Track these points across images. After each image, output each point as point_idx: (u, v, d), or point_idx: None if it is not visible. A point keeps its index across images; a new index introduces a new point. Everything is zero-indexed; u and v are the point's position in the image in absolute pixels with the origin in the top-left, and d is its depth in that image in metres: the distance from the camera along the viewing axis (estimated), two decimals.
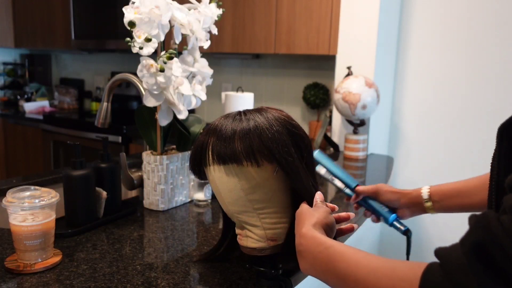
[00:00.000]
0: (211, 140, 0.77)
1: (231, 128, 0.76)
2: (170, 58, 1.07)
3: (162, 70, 1.07)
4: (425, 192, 0.93)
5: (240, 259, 0.91)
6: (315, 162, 0.91)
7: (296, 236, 0.68)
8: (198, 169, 0.82)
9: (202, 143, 0.79)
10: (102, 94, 1.62)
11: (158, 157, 1.21)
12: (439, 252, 0.48)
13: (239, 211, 0.79)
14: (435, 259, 0.49)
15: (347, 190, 1.01)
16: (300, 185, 0.76)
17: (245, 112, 0.79)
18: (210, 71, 1.24)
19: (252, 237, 0.79)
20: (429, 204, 0.92)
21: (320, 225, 0.68)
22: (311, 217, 0.70)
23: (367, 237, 2.18)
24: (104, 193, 1.11)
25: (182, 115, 1.16)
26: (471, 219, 0.46)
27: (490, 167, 0.58)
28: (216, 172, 0.77)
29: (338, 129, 2.21)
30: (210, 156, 0.77)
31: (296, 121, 0.81)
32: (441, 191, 0.92)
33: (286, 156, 0.74)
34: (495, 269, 0.42)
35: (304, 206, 0.75)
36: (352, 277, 0.55)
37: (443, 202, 0.91)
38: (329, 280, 0.60)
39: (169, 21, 1.10)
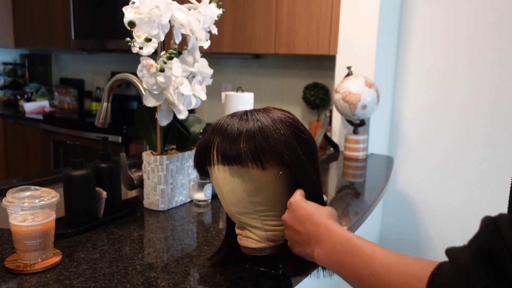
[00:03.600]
0: (216, 139, 0.77)
1: (237, 128, 0.75)
2: (170, 58, 1.07)
3: (162, 70, 1.07)
4: None
5: (240, 259, 0.91)
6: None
7: (311, 224, 0.68)
8: (202, 167, 0.81)
9: (207, 142, 0.78)
10: (102, 94, 1.62)
11: (158, 157, 1.21)
12: (448, 252, 0.48)
13: (240, 212, 0.78)
14: (435, 258, 0.49)
15: None
16: (308, 186, 0.76)
17: (252, 112, 0.78)
18: (210, 71, 1.24)
19: (253, 238, 0.79)
20: None
21: (335, 219, 0.70)
22: (326, 210, 0.72)
23: (367, 237, 2.18)
24: (104, 193, 1.11)
25: (182, 115, 1.16)
26: (483, 221, 0.45)
27: None
28: (219, 172, 0.77)
29: (338, 129, 2.21)
30: (215, 155, 0.76)
31: (302, 123, 0.80)
32: None
33: (295, 159, 0.74)
34: (501, 274, 0.41)
35: (307, 201, 0.74)
36: (366, 270, 0.56)
37: None
38: (343, 271, 0.61)
39: (169, 21, 1.10)
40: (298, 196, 0.74)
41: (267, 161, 0.74)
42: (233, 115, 0.79)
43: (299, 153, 0.75)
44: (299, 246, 0.72)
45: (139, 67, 1.09)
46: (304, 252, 0.71)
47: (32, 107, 3.57)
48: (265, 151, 0.73)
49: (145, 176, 1.24)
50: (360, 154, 2.04)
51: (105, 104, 1.31)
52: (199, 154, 0.80)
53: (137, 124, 1.27)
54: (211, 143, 0.77)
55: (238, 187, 0.76)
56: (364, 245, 0.60)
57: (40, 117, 3.31)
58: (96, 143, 2.80)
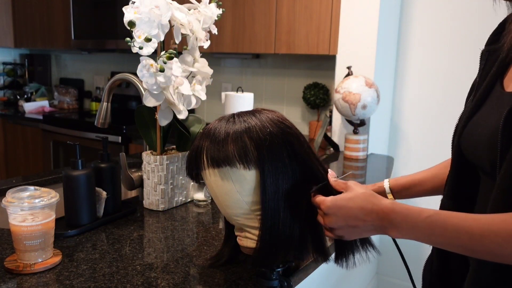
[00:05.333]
0: (205, 144, 0.77)
1: (224, 131, 0.75)
2: (170, 58, 1.07)
3: (162, 70, 1.07)
4: (387, 186, 0.99)
5: (240, 259, 0.91)
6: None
7: (369, 215, 0.69)
8: (195, 173, 0.82)
9: (196, 148, 0.79)
10: (102, 94, 1.62)
11: (158, 157, 1.21)
12: None
13: (237, 214, 0.78)
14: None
15: None
16: (264, 197, 0.74)
17: (239, 114, 0.79)
18: (210, 71, 1.24)
19: (252, 238, 0.79)
20: (390, 195, 0.99)
21: (381, 198, 0.71)
22: (364, 194, 0.71)
23: None
24: (104, 193, 1.11)
25: (182, 115, 1.16)
26: None
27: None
28: (211, 176, 0.77)
29: (338, 129, 2.21)
30: (205, 160, 0.77)
31: (290, 121, 0.80)
32: (399, 184, 1.00)
33: (272, 165, 0.74)
34: None
35: (341, 198, 0.72)
36: (465, 235, 0.61)
37: (402, 192, 1.00)
38: (433, 241, 0.67)
39: (169, 21, 1.10)
40: (328, 199, 0.72)
41: (254, 161, 0.74)
42: (221, 118, 0.79)
43: (282, 155, 0.74)
44: (357, 235, 0.73)
45: (139, 67, 1.09)
46: (365, 236, 0.74)
47: (32, 107, 3.57)
48: (251, 150, 0.73)
49: (145, 176, 1.24)
50: (360, 154, 2.04)
51: (105, 104, 1.31)
52: (190, 161, 0.80)
53: (137, 124, 1.27)
54: (200, 148, 0.78)
55: (231, 188, 0.76)
56: (449, 218, 0.63)
57: (40, 117, 3.30)
58: (96, 143, 2.80)
